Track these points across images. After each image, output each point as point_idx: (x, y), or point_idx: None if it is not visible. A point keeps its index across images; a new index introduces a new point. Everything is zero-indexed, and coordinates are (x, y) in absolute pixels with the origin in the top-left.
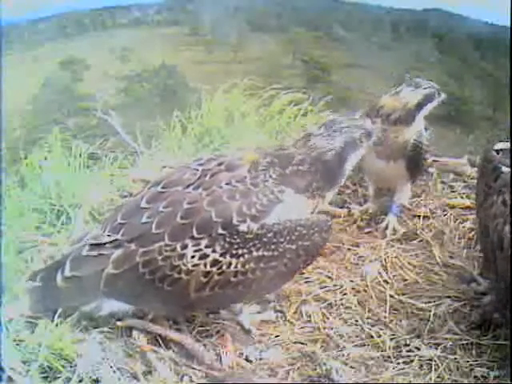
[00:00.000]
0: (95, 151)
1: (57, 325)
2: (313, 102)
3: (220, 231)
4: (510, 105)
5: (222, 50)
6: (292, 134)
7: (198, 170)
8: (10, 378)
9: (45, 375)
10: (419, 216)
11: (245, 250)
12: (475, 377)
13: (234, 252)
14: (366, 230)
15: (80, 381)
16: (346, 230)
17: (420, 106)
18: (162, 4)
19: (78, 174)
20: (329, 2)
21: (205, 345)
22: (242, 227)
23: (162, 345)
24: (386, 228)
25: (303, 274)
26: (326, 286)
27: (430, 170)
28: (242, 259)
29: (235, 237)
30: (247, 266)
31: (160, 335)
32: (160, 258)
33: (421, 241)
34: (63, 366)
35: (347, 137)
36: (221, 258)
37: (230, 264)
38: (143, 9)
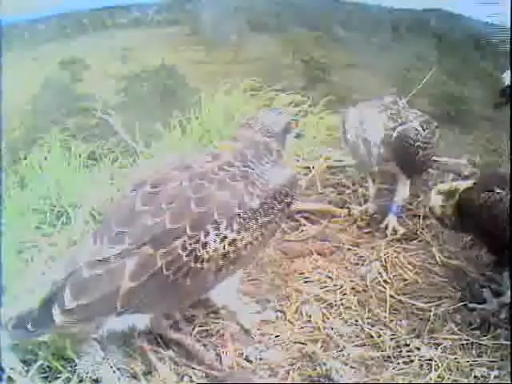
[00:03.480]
0: (95, 151)
1: None
2: (313, 102)
3: (236, 211)
4: (510, 105)
5: (222, 50)
6: None
7: (181, 166)
8: (10, 378)
9: (45, 375)
10: (419, 216)
11: (253, 221)
12: (475, 377)
13: (247, 226)
14: (366, 230)
15: (80, 381)
16: (346, 229)
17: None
18: (161, 4)
19: (77, 174)
20: (329, 1)
21: (205, 345)
22: (252, 204)
23: (162, 345)
24: (386, 228)
25: (303, 273)
26: (326, 286)
27: (430, 170)
28: (251, 230)
29: (247, 211)
30: (254, 235)
31: (160, 335)
32: (184, 253)
33: (421, 241)
34: (63, 366)
35: (286, 119)
36: (236, 236)
37: (243, 238)
38: (143, 9)
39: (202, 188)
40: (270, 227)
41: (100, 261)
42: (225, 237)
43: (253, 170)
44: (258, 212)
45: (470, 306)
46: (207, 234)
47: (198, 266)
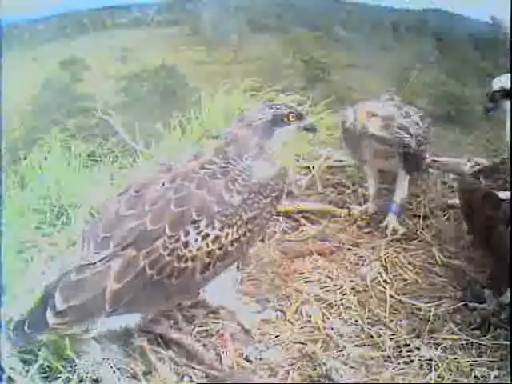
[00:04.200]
0: (95, 151)
1: None
2: (313, 102)
3: (215, 209)
4: (509, 105)
5: (222, 50)
6: None
7: (164, 168)
8: (10, 378)
9: (45, 375)
10: (419, 216)
11: (237, 217)
12: (475, 377)
13: (230, 222)
14: (366, 230)
15: (80, 381)
16: (345, 229)
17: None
18: (161, 4)
19: (77, 174)
20: (329, 2)
21: (205, 345)
22: (232, 200)
23: (162, 345)
24: (386, 228)
25: (303, 273)
26: (326, 286)
27: (430, 170)
28: (235, 227)
29: (227, 208)
30: (240, 231)
31: (160, 335)
32: (166, 253)
33: (421, 241)
34: (63, 366)
35: (276, 112)
36: (220, 233)
37: (228, 235)
38: (143, 9)
39: (182, 188)
40: (258, 222)
41: (87, 265)
42: (207, 234)
43: (234, 166)
44: (240, 208)
45: (470, 305)
46: (187, 233)
47: (182, 265)
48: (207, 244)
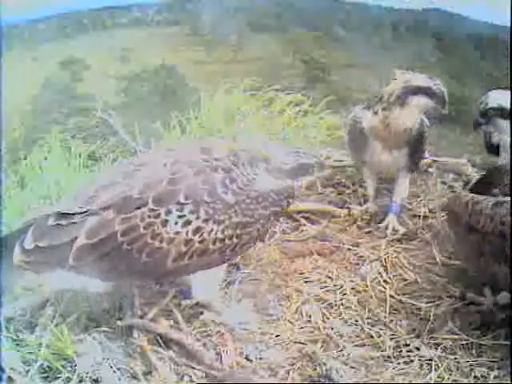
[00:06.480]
0: (95, 151)
1: (57, 325)
2: (313, 102)
3: (205, 198)
4: (510, 105)
5: (222, 50)
6: (292, 134)
7: (169, 153)
8: (10, 378)
9: (45, 375)
10: (419, 216)
11: (226, 216)
12: (475, 377)
13: (217, 218)
14: (366, 230)
15: (80, 381)
16: (346, 229)
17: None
18: (161, 4)
19: (77, 174)
20: (329, 1)
21: (205, 345)
22: (225, 196)
23: (162, 345)
24: (386, 228)
25: (303, 273)
26: (326, 286)
27: (430, 170)
28: (222, 226)
29: (218, 202)
30: (226, 233)
31: (160, 335)
32: (142, 224)
33: (421, 241)
34: (63, 366)
35: (305, 160)
36: (203, 225)
37: (212, 231)
38: (143, 9)
39: (180, 171)
40: (249, 231)
41: (65, 214)
42: (188, 221)
43: (238, 168)
44: (232, 208)
45: (469, 297)
46: (169, 212)
47: (156, 243)
48: (187, 232)
